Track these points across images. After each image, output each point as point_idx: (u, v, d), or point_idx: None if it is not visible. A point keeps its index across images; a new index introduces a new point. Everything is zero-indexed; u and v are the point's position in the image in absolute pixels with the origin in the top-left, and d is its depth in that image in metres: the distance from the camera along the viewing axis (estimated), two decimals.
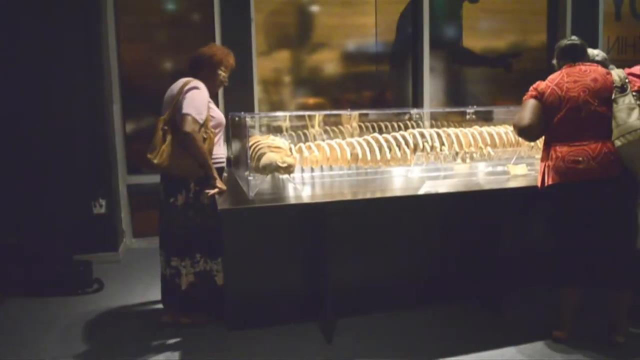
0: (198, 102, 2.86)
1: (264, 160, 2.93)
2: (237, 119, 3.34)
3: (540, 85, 2.85)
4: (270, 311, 3.12)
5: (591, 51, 3.09)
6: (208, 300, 3.10)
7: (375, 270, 3.25)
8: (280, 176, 3.14)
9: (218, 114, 3.04)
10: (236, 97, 4.48)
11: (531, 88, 2.88)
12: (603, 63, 3.06)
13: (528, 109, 2.82)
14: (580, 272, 2.81)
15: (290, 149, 3.18)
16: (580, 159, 2.67)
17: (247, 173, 2.92)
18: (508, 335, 2.97)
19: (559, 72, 2.85)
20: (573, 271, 2.82)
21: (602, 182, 2.65)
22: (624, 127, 2.60)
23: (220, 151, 3.09)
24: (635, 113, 2.60)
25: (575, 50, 2.86)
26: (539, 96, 2.82)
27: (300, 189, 3.10)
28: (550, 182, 2.76)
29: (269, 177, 3.18)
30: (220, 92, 4.47)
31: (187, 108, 2.81)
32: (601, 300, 2.95)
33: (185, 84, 2.91)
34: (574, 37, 2.93)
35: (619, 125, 2.62)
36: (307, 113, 3.80)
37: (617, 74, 2.73)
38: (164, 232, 3.06)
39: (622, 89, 2.67)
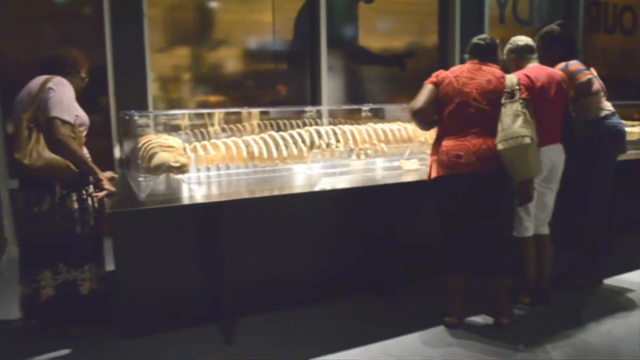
0: (65, 101, 2.72)
1: (155, 160, 2.83)
2: (126, 117, 3.20)
3: (442, 73, 2.97)
4: (168, 315, 3.02)
5: (517, 38, 3.28)
6: (72, 313, 2.91)
7: (276, 268, 3.25)
8: (175, 176, 3.05)
9: (82, 113, 2.89)
10: (128, 95, 4.30)
11: (433, 74, 2.99)
12: (522, 49, 3.23)
13: (424, 93, 2.94)
14: (464, 259, 2.98)
15: (185, 148, 3.09)
16: (462, 153, 2.82)
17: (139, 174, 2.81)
18: (405, 324, 3.08)
19: (461, 66, 2.99)
20: (458, 259, 2.99)
21: (481, 175, 2.82)
22: (508, 132, 2.76)
23: (84, 152, 2.94)
24: (519, 120, 2.77)
25: (478, 49, 2.99)
26: (438, 83, 2.94)
27: (195, 189, 3.03)
28: (435, 175, 2.91)
29: (163, 177, 3.08)
30: (111, 89, 4.27)
31: (53, 110, 2.65)
32: (490, 286, 3.13)
33: (47, 80, 2.74)
34: (483, 36, 3.04)
35: (504, 129, 2.79)
36: (204, 111, 3.73)
37: (510, 79, 2.90)
38: (25, 244, 2.86)
39: (512, 95, 2.83)
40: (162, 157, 2.82)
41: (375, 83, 5.55)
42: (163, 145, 2.94)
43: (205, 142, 3.22)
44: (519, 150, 2.75)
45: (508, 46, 3.29)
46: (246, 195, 2.88)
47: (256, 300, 3.20)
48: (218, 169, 3.29)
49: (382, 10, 5.42)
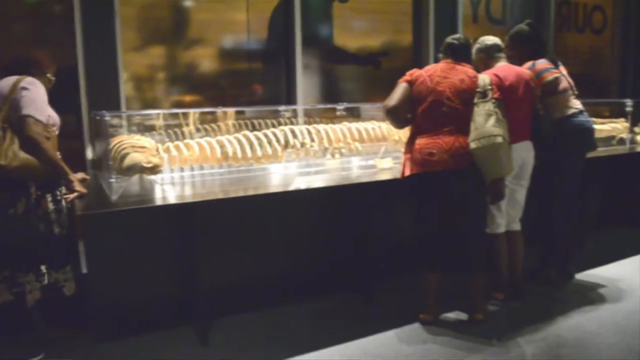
0: (38, 101, 2.67)
1: (127, 161, 2.79)
2: (98, 118, 3.15)
3: (416, 72, 3.00)
4: (143, 318, 2.99)
5: (485, 37, 3.32)
6: (60, 315, 2.89)
7: (251, 268, 3.24)
8: (148, 177, 3.02)
9: (53, 113, 2.85)
10: (100, 95, 4.22)
11: (407, 73, 3.01)
12: (490, 48, 3.27)
13: (398, 91, 2.97)
14: (439, 256, 3.01)
15: (157, 149, 3.06)
16: (435, 151, 2.85)
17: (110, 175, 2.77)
18: (381, 322, 3.10)
19: (435, 65, 3.02)
20: (433, 256, 3.01)
21: (454, 172, 2.85)
22: (481, 131, 2.80)
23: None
24: (492, 120, 2.81)
25: (452, 48, 3.02)
26: (412, 82, 2.96)
27: (168, 189, 3.00)
28: (409, 173, 2.93)
29: (136, 178, 3.05)
30: (83, 89, 4.20)
31: (26, 109, 2.60)
32: (464, 283, 3.16)
33: (19, 81, 2.69)
34: (457, 36, 3.07)
35: (476, 128, 2.82)
36: (177, 111, 3.70)
37: (482, 79, 2.93)
38: (2, 248, 2.79)
39: (484, 95, 2.87)
40: (134, 157, 2.79)
41: (351, 82, 5.55)
42: (135, 146, 2.90)
43: (179, 143, 3.19)
44: (491, 149, 2.79)
45: (477, 46, 3.32)
46: (220, 196, 2.86)
47: (231, 301, 3.18)
48: (192, 169, 3.26)
49: (357, 9, 5.42)
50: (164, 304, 3.05)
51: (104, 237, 2.84)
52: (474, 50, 3.31)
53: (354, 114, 4.04)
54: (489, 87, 2.89)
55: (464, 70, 2.96)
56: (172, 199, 2.83)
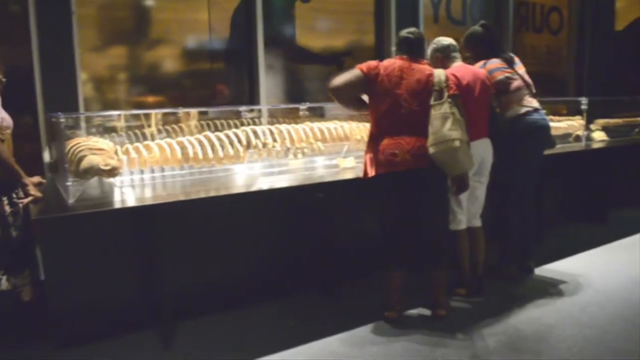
0: None
1: (84, 164, 2.73)
2: (54, 120, 3.07)
3: (374, 66, 2.94)
4: (104, 323, 2.94)
5: (441, 38, 3.35)
6: (18, 321, 2.82)
7: (214, 270, 3.21)
8: (106, 180, 2.96)
9: (6, 115, 2.78)
10: (58, 96, 4.12)
11: (366, 63, 2.95)
12: (447, 48, 3.31)
13: (347, 75, 2.94)
14: (403, 254, 3.03)
15: (116, 151, 3.00)
16: (397, 152, 2.87)
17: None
18: (346, 321, 3.10)
19: (393, 62, 2.98)
20: (397, 254, 3.04)
21: (416, 172, 2.89)
22: (438, 135, 2.82)
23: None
24: (448, 123, 2.82)
25: (408, 42, 3.01)
26: (367, 75, 2.92)
27: (128, 192, 2.95)
28: (373, 173, 2.95)
29: (96, 181, 2.98)
30: (39, 90, 4.09)
31: None
32: (427, 280, 3.20)
33: None
34: (412, 30, 3.05)
35: (434, 133, 2.84)
36: (137, 112, 3.64)
37: (438, 76, 2.92)
38: None
39: (440, 94, 2.87)
40: (91, 160, 2.73)
41: (314, 82, 5.55)
42: (92, 148, 2.84)
43: (138, 144, 3.14)
44: (449, 153, 2.81)
45: (433, 46, 3.37)
46: (181, 197, 2.82)
47: (195, 303, 3.15)
48: (152, 171, 3.21)
49: (320, 9, 5.43)
50: (127, 308, 3.00)
51: (61, 241, 2.77)
52: (430, 50, 3.36)
53: (317, 114, 4.04)
54: (444, 85, 2.90)
55: (420, 70, 2.95)
56: (130, 202, 2.78)
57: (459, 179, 2.98)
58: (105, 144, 2.98)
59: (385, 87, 2.91)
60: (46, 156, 3.98)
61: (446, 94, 2.88)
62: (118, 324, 2.97)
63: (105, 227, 2.88)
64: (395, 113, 2.91)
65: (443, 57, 3.32)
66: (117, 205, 2.73)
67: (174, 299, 2.91)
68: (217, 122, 3.86)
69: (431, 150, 2.84)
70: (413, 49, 3.01)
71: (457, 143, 2.80)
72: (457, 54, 3.35)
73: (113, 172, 2.76)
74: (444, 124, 2.82)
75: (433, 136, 2.84)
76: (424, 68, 2.97)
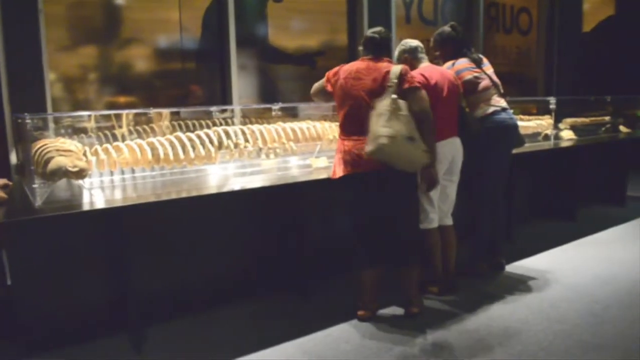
0: None
1: (51, 166, 2.67)
2: (19, 120, 3.01)
3: (335, 74, 3.04)
4: (74, 328, 2.88)
5: (408, 40, 3.38)
6: None
7: (186, 272, 3.18)
8: (75, 182, 2.90)
9: None
10: (25, 97, 4.03)
11: (330, 72, 3.08)
12: (414, 49, 3.34)
13: (319, 82, 3.20)
14: (374, 254, 3.05)
15: (84, 152, 2.95)
16: (363, 152, 2.86)
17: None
18: (319, 321, 3.11)
19: (353, 64, 3.00)
20: (368, 254, 3.05)
21: (383, 171, 2.89)
22: (370, 133, 2.78)
23: None
24: (381, 120, 2.75)
25: (373, 42, 3.01)
26: (328, 80, 3.08)
27: (97, 194, 2.90)
28: (341, 174, 2.96)
29: (64, 184, 2.93)
30: (5, 91, 4.00)
31: None
32: (399, 278, 3.22)
33: None
34: (377, 29, 3.04)
35: (369, 131, 2.79)
36: (106, 112, 3.58)
37: (393, 72, 2.88)
38: None
39: (393, 91, 2.81)
40: (58, 161, 2.67)
41: (287, 82, 5.55)
42: (60, 150, 2.78)
43: (107, 145, 3.09)
44: (380, 149, 2.73)
45: (400, 47, 3.40)
46: (151, 199, 2.78)
47: (166, 306, 3.12)
48: (122, 172, 3.16)
49: (292, 9, 5.43)
50: (96, 312, 2.95)
51: (27, 245, 2.71)
52: (397, 51, 3.39)
53: (289, 114, 4.04)
54: (396, 81, 2.83)
55: (377, 68, 2.91)
56: (99, 204, 2.73)
57: (427, 175, 3.00)
58: (74, 145, 2.93)
59: (344, 90, 2.94)
60: (13, 158, 3.90)
61: (394, 89, 2.80)
62: (88, 329, 2.92)
63: (74, 230, 2.83)
64: (357, 114, 2.91)
65: (411, 58, 3.35)
66: (86, 207, 2.68)
67: (145, 302, 2.88)
68: (189, 122, 3.84)
69: (366, 148, 2.79)
70: (379, 49, 3.01)
71: (383, 140, 2.70)
72: (425, 55, 3.39)
73: (81, 173, 2.71)
74: (377, 121, 2.76)
75: (369, 135, 2.80)
76: (382, 66, 2.93)
